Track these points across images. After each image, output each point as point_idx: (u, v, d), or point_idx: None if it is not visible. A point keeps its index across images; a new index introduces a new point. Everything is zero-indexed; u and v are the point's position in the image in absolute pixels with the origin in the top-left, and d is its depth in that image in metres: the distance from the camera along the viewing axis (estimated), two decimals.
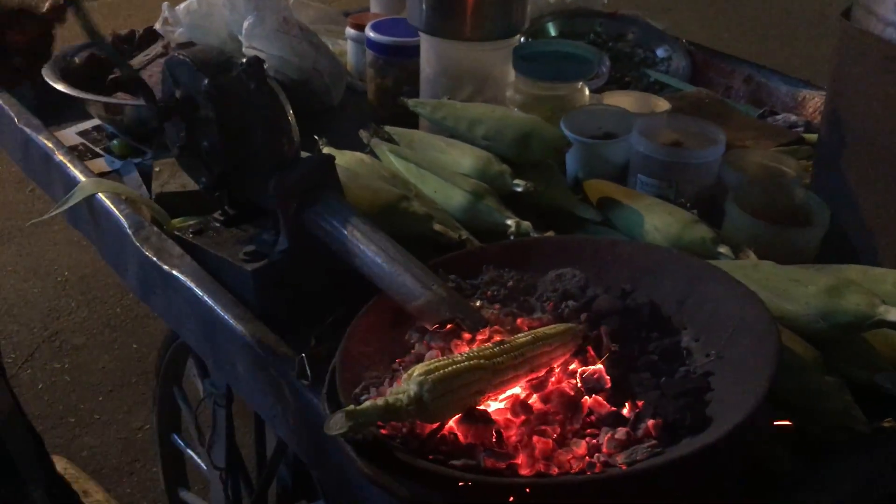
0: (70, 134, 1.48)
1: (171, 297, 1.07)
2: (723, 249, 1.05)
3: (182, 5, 1.55)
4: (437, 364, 0.76)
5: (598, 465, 0.74)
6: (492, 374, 0.78)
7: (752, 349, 0.80)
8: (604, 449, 0.75)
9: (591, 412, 0.79)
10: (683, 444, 0.74)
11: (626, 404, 0.79)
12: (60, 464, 1.91)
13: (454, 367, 0.76)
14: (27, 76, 1.08)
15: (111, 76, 1.53)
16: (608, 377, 0.82)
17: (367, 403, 0.73)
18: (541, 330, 0.84)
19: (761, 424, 0.78)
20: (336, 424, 0.72)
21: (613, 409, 0.78)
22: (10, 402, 1.23)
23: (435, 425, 0.76)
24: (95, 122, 1.50)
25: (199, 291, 1.02)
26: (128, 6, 4.68)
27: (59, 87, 1.44)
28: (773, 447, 0.81)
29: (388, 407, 0.73)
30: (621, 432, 0.76)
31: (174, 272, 1.05)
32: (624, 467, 0.72)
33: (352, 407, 0.73)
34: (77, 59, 1.56)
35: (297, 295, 1.02)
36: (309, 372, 0.88)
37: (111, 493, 1.94)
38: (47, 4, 1.11)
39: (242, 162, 1.03)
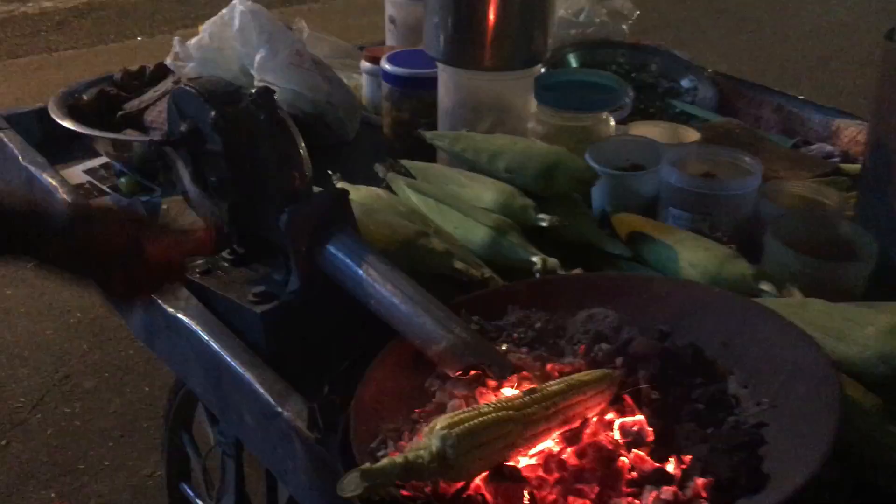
0: (76, 172, 1.44)
1: (176, 342, 1.01)
2: (765, 286, 0.98)
3: (193, 40, 1.51)
4: (461, 416, 0.69)
5: None
6: (522, 426, 0.71)
7: (809, 397, 0.73)
8: None
9: (632, 468, 0.72)
10: None
11: (671, 459, 0.72)
12: None
13: (481, 419, 0.69)
14: (139, 294, 0.94)
15: (120, 112, 1.49)
16: (650, 429, 0.74)
17: (385, 461, 0.66)
18: (574, 377, 0.77)
19: (825, 480, 0.70)
20: (350, 485, 0.65)
21: (658, 465, 0.71)
22: None
23: (460, 485, 0.69)
24: (103, 160, 1.46)
25: (204, 335, 0.96)
26: (148, 46, 4.72)
27: (66, 123, 1.40)
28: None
29: (407, 465, 0.66)
30: (667, 492, 0.68)
31: (178, 315, 0.99)
32: None
33: (368, 465, 0.66)
34: (85, 96, 1.52)
35: (310, 339, 0.95)
36: (321, 423, 0.81)
37: None
38: (198, 227, 0.99)
39: (252, 197, 0.97)
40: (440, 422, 0.68)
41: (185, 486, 1.61)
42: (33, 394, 2.41)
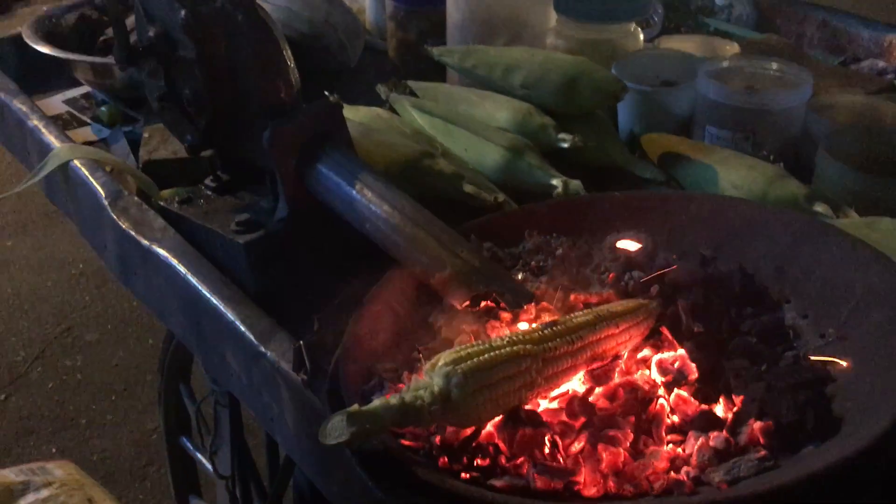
0: (55, 102, 1.32)
1: (152, 278, 0.90)
2: (820, 208, 0.86)
3: None
4: (468, 350, 0.58)
5: (688, 482, 0.55)
6: (541, 363, 0.59)
7: (885, 326, 0.61)
8: (693, 461, 0.56)
9: (672, 412, 0.60)
10: (806, 456, 0.54)
11: (720, 401, 0.60)
12: (66, 469, 1.76)
13: (492, 353, 0.57)
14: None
15: (102, 37, 1.37)
16: (693, 365, 0.63)
17: (377, 402, 0.55)
18: (604, 307, 0.65)
19: None
20: (334, 430, 0.54)
21: (704, 406, 0.59)
22: None
23: (469, 431, 0.58)
24: (85, 89, 1.34)
25: (181, 269, 0.85)
26: None
27: (43, 48, 1.29)
28: None
29: (404, 407, 0.55)
30: (717, 439, 0.57)
31: (154, 247, 0.88)
32: (724, 486, 0.53)
33: (356, 407, 0.55)
34: (64, 21, 1.40)
35: (299, 272, 0.84)
36: (308, 364, 0.70)
37: (121, 500, 1.79)
38: None
39: (232, 111, 0.86)
40: (444, 357, 0.57)
41: (185, 440, 1.52)
42: (34, 347, 2.33)
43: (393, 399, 0.55)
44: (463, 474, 0.55)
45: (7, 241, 2.76)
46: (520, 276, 0.75)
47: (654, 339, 0.67)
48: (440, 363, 0.57)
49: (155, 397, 2.12)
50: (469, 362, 0.56)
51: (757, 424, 0.57)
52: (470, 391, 0.56)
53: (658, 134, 1.04)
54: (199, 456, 1.48)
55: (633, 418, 0.60)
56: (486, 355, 0.57)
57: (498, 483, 0.54)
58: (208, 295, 0.82)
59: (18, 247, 2.74)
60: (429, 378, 0.57)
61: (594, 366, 0.64)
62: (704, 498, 0.53)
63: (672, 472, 0.56)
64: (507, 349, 0.58)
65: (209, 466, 1.41)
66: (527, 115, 1.01)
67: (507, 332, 0.66)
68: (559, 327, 0.63)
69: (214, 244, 0.88)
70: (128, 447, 2.02)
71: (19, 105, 1.17)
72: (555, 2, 1.17)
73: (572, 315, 0.65)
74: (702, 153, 0.97)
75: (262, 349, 0.76)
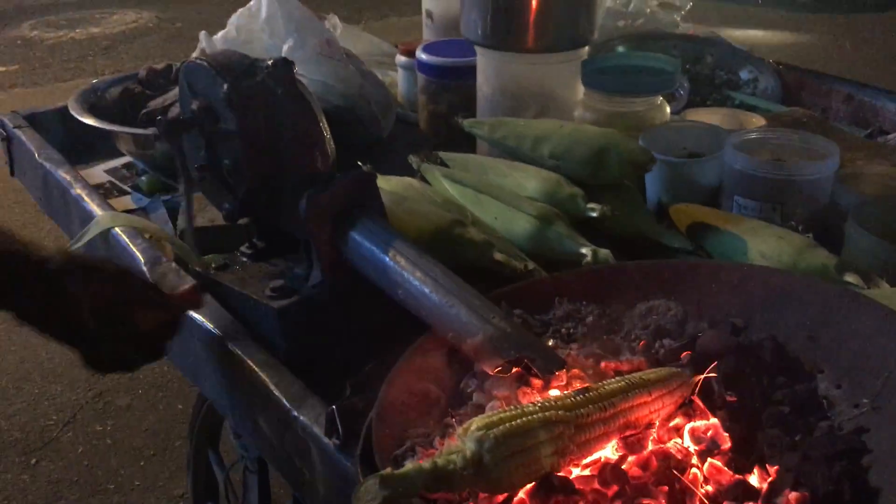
0: (97, 172, 1.37)
1: (188, 342, 0.91)
2: (850, 278, 0.86)
3: (220, 34, 1.44)
4: (501, 415, 0.58)
5: None
6: (574, 429, 0.59)
7: None
8: None
9: (706, 482, 0.60)
10: None
11: (755, 471, 0.60)
12: None
13: (524, 419, 0.58)
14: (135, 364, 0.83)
15: (144, 110, 1.42)
16: (726, 434, 0.62)
17: (410, 466, 0.56)
18: (637, 374, 0.66)
19: None
20: (367, 494, 0.54)
21: (738, 476, 0.59)
22: None
23: (501, 498, 0.58)
24: (126, 159, 1.39)
25: (216, 332, 0.86)
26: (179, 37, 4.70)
27: (87, 120, 1.34)
28: None
29: (436, 471, 0.55)
30: None
31: (190, 312, 0.90)
32: None
33: (389, 471, 0.55)
34: (108, 95, 1.45)
35: (331, 337, 0.85)
36: (340, 429, 0.70)
37: None
38: (184, 287, 0.90)
39: (270, 180, 0.88)
40: (476, 422, 0.57)
41: None
42: (65, 411, 2.35)
43: (426, 463, 0.56)
44: None
45: None
46: (550, 343, 0.75)
47: (686, 408, 0.67)
48: (472, 427, 0.57)
49: (183, 462, 2.12)
50: (501, 427, 0.57)
51: (793, 495, 0.56)
52: (502, 456, 0.56)
53: (686, 204, 1.05)
54: None
55: (665, 487, 0.59)
56: (518, 420, 0.58)
57: None
58: (243, 358, 0.83)
59: None
60: (461, 443, 0.57)
61: (627, 433, 0.64)
62: None
63: None
64: (540, 415, 0.59)
65: None
66: (556, 186, 1.03)
67: (538, 398, 0.66)
68: (591, 394, 0.63)
69: (249, 309, 0.89)
70: None
71: (64, 175, 1.21)
72: (583, 76, 1.19)
73: (605, 382, 0.65)
74: (730, 223, 0.98)
75: (295, 413, 0.76)
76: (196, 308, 0.89)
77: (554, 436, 0.58)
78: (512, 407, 0.61)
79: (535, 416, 0.58)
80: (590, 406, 0.61)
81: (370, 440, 0.65)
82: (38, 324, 0.77)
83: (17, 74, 4.87)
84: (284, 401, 0.77)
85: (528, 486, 0.59)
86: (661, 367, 0.71)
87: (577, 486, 0.59)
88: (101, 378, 2.47)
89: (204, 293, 0.90)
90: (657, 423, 0.65)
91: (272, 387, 0.79)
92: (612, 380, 0.65)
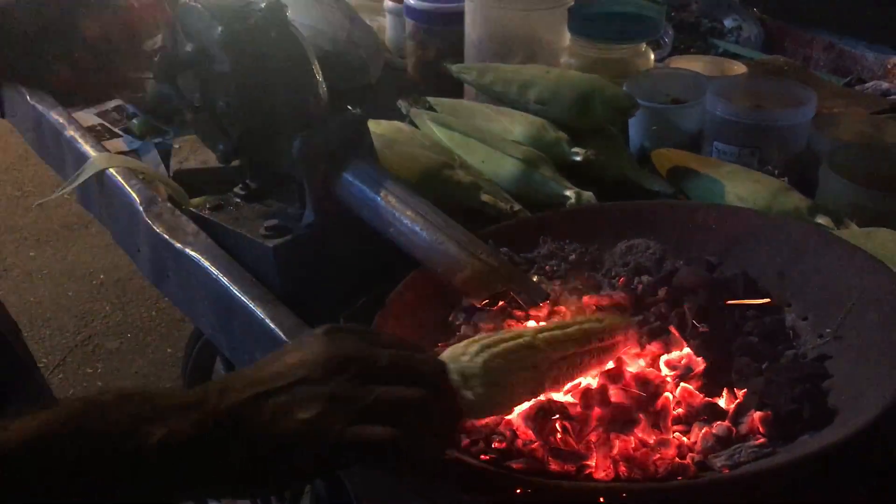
0: (88, 115, 1.37)
1: (184, 279, 0.94)
2: (822, 220, 0.90)
3: None
4: (501, 335, 0.61)
5: (692, 467, 0.59)
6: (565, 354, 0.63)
7: (879, 327, 0.65)
8: (698, 447, 0.60)
9: (678, 404, 0.64)
10: (801, 443, 0.58)
11: (724, 393, 0.64)
12: None
13: (522, 339, 0.61)
14: (92, 80, 0.79)
15: None
16: (699, 359, 0.67)
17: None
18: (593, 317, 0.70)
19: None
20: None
21: (708, 399, 0.63)
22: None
23: (497, 421, 0.62)
24: (116, 102, 1.40)
25: (213, 270, 0.90)
26: None
27: None
28: None
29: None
30: (720, 428, 0.60)
31: (187, 250, 0.93)
32: (726, 471, 0.57)
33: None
34: None
35: (325, 275, 0.89)
36: None
37: None
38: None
39: (263, 123, 0.91)
40: (477, 341, 0.60)
41: None
42: (55, 354, 2.38)
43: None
44: (481, 455, 0.59)
45: (30, 251, 2.82)
46: (535, 279, 0.79)
47: (663, 338, 0.71)
48: (474, 349, 0.60)
49: None
50: (503, 345, 0.60)
51: (757, 415, 0.61)
52: (508, 369, 0.59)
53: (667, 149, 1.08)
54: None
55: (642, 409, 0.64)
56: (517, 340, 0.61)
57: (514, 464, 0.58)
58: (239, 295, 0.86)
59: (40, 257, 2.80)
60: (467, 359, 0.59)
61: (605, 362, 0.68)
62: (706, 480, 0.57)
63: (678, 458, 0.60)
64: (535, 336, 0.62)
65: None
66: (541, 130, 1.06)
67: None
68: (572, 329, 0.66)
69: (243, 248, 0.92)
70: None
71: (56, 117, 1.22)
72: (569, 22, 1.21)
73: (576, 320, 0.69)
74: (709, 167, 1.01)
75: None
76: (152, 16, 0.84)
77: (549, 357, 0.62)
78: (500, 333, 0.64)
79: (529, 337, 0.61)
80: (576, 339, 0.65)
81: None
82: None
83: None
84: (280, 333, 0.81)
85: (524, 408, 0.62)
86: (638, 301, 0.75)
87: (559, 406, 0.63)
88: (89, 322, 2.51)
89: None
90: (631, 352, 0.69)
91: (269, 321, 0.83)
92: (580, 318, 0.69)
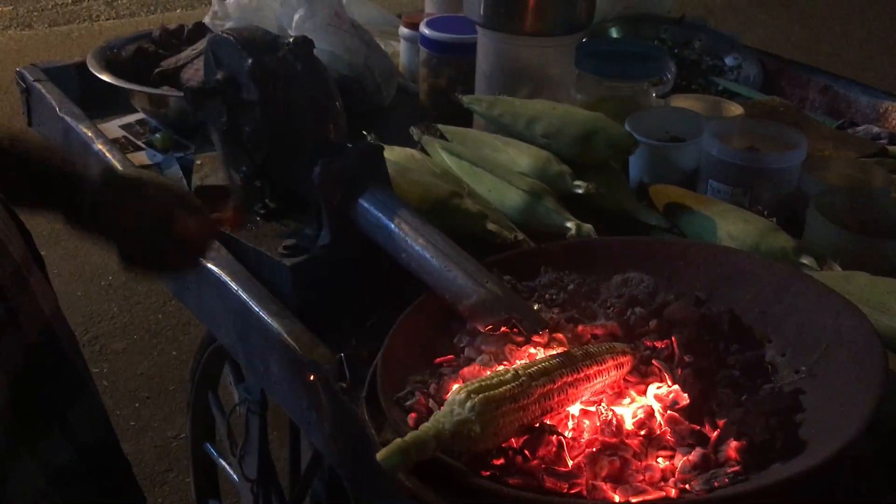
0: (112, 127, 1.44)
1: (205, 292, 1.00)
2: (806, 260, 0.96)
3: None
4: (485, 382, 0.67)
5: (673, 490, 0.64)
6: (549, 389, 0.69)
7: (850, 366, 0.70)
8: (678, 473, 0.66)
9: (664, 433, 0.70)
10: (773, 471, 0.64)
11: (706, 423, 0.70)
12: None
13: (505, 387, 0.67)
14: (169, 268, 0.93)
15: (157, 69, 1.49)
16: (685, 393, 0.72)
17: (419, 432, 0.65)
18: (594, 346, 0.76)
19: (862, 451, 0.68)
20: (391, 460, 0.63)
21: (694, 426, 0.69)
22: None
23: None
24: (139, 115, 1.46)
25: (233, 285, 0.95)
26: (189, 17, 4.72)
27: (104, 77, 1.40)
28: (871, 476, 0.71)
29: (440, 434, 0.65)
30: (698, 454, 0.66)
31: (208, 265, 0.99)
32: (703, 494, 0.63)
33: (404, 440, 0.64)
34: (123, 52, 1.52)
35: (339, 293, 0.94)
36: (348, 374, 0.80)
37: None
38: (229, 211, 0.99)
39: (286, 148, 0.97)
40: (464, 388, 0.67)
41: (209, 446, 1.62)
42: None
43: (429, 429, 0.64)
44: (482, 472, 0.65)
45: (40, 251, 2.87)
46: (536, 307, 0.84)
47: (650, 370, 0.77)
48: (461, 395, 0.66)
49: (177, 406, 2.23)
50: (484, 394, 0.66)
51: (734, 443, 0.66)
52: (490, 415, 0.65)
53: (665, 185, 1.14)
54: (222, 461, 1.57)
55: (633, 438, 0.69)
56: (500, 389, 0.67)
57: (513, 481, 0.64)
58: (257, 310, 0.92)
59: (50, 257, 2.85)
60: (455, 406, 0.66)
61: (600, 391, 0.74)
62: (684, 500, 0.62)
63: (661, 482, 0.65)
64: (517, 382, 0.68)
65: (231, 471, 1.51)
66: (546, 163, 1.12)
67: (522, 354, 0.76)
68: (561, 359, 0.72)
69: (262, 265, 0.98)
70: (149, 452, 2.11)
71: (84, 129, 1.28)
72: (577, 60, 1.28)
73: (568, 350, 0.75)
74: (703, 205, 1.07)
75: (305, 360, 0.86)
76: (240, 227, 0.97)
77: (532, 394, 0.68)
78: (491, 374, 0.70)
79: (510, 384, 0.68)
80: (563, 369, 0.71)
81: (375, 384, 0.74)
82: (85, 227, 0.86)
83: (9, 17, 4.85)
84: (296, 346, 0.87)
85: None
86: (630, 332, 0.81)
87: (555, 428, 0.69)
88: (97, 322, 2.56)
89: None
90: (622, 381, 0.75)
91: (285, 336, 0.88)
92: (574, 349, 0.75)
